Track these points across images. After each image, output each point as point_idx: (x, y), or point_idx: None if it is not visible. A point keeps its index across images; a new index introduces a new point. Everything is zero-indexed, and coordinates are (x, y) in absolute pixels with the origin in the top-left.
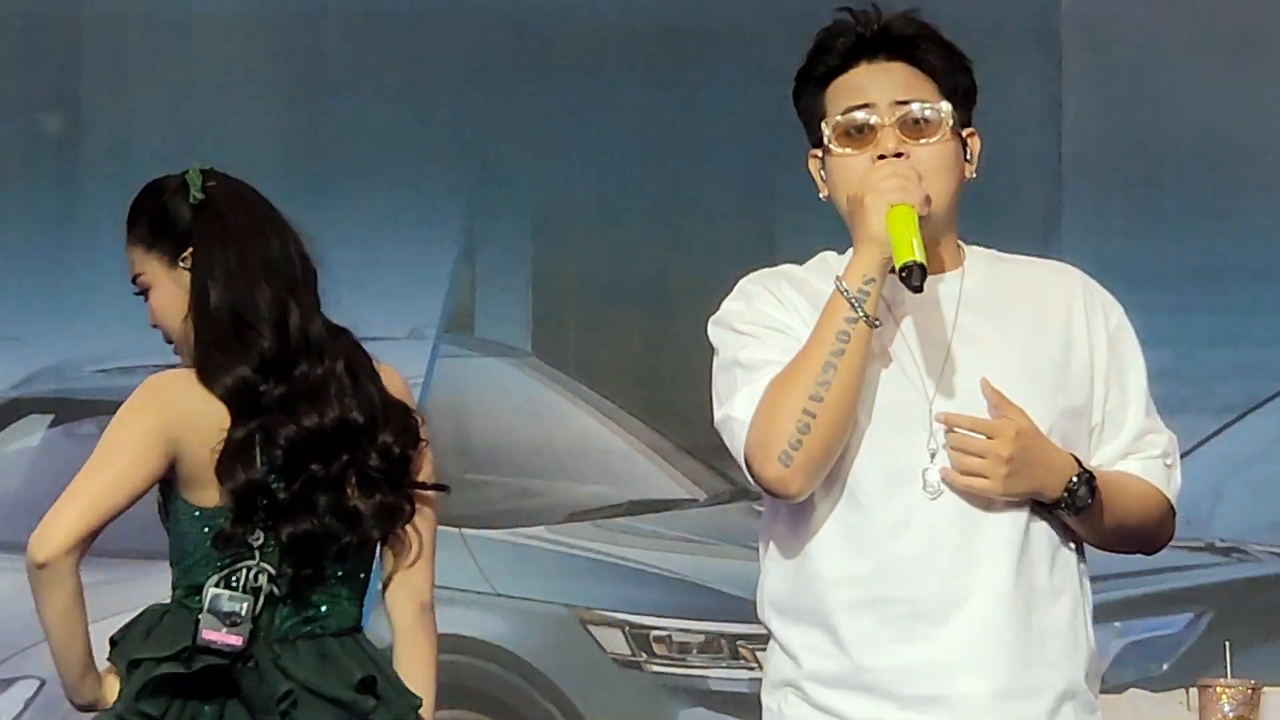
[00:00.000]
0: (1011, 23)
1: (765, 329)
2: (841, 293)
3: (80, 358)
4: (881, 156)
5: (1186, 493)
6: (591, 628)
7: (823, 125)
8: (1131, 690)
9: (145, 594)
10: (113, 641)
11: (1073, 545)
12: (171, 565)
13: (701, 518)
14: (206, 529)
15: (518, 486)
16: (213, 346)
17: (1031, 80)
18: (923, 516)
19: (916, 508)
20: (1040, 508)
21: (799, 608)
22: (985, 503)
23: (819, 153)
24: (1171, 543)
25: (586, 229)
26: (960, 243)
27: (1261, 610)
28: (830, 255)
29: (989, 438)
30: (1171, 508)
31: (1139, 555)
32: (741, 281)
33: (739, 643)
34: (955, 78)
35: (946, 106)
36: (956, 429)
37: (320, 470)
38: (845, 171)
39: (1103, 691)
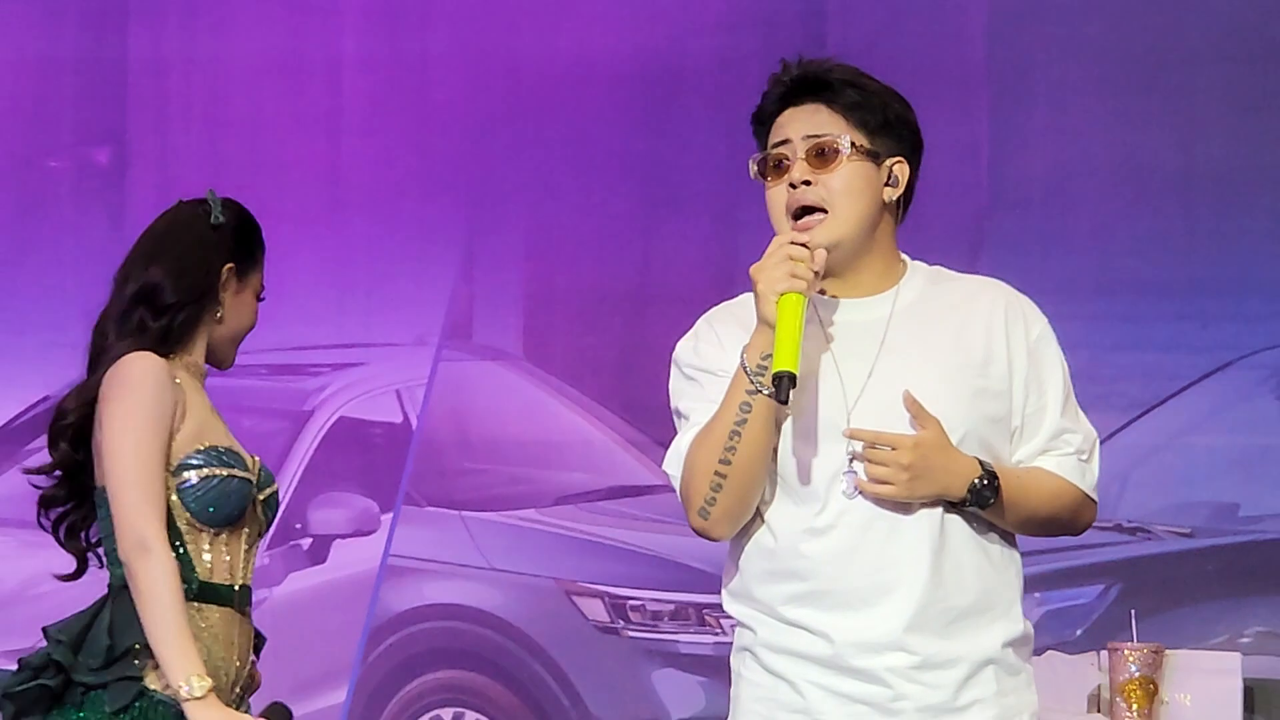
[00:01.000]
0: (944, 67)
1: (705, 374)
2: (743, 368)
3: None
4: (792, 185)
5: (1098, 479)
6: (575, 598)
7: (750, 162)
8: (1049, 652)
9: None
10: None
11: (996, 534)
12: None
13: (672, 502)
14: None
15: (511, 474)
16: None
17: (960, 117)
18: (848, 519)
19: (842, 511)
20: (955, 504)
21: (750, 597)
22: (902, 503)
23: None
24: None
25: (572, 248)
26: (905, 258)
27: (1163, 582)
28: None
29: (893, 449)
30: (1087, 496)
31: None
32: (699, 320)
33: (705, 611)
34: (868, 113)
35: (847, 139)
36: (863, 442)
37: None
38: (771, 199)
39: None
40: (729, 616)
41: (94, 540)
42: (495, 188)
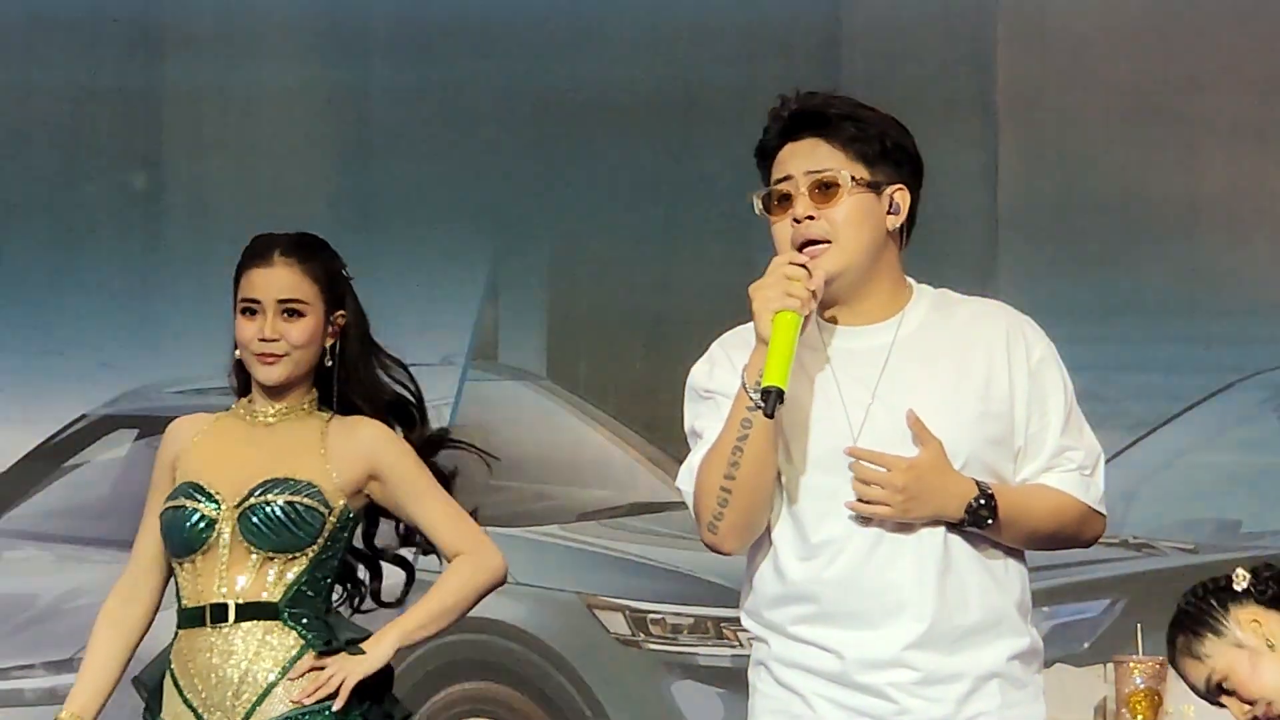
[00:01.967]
0: (956, 97)
1: (719, 395)
2: (744, 387)
3: (161, 381)
4: (796, 220)
5: (1105, 494)
6: (597, 612)
7: (754, 198)
8: (1057, 665)
9: None
10: None
11: (1001, 551)
12: None
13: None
14: None
15: (535, 491)
16: None
17: (972, 145)
18: (854, 542)
19: (848, 535)
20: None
21: (762, 615)
22: (905, 525)
23: None
24: None
25: (594, 271)
26: (912, 283)
27: (1169, 597)
28: None
29: (888, 470)
30: (1092, 510)
31: (1068, 550)
32: (713, 344)
33: (724, 625)
34: (866, 145)
35: (847, 173)
36: (861, 462)
37: None
38: (776, 234)
39: None
40: (746, 630)
41: None
42: (520, 213)
